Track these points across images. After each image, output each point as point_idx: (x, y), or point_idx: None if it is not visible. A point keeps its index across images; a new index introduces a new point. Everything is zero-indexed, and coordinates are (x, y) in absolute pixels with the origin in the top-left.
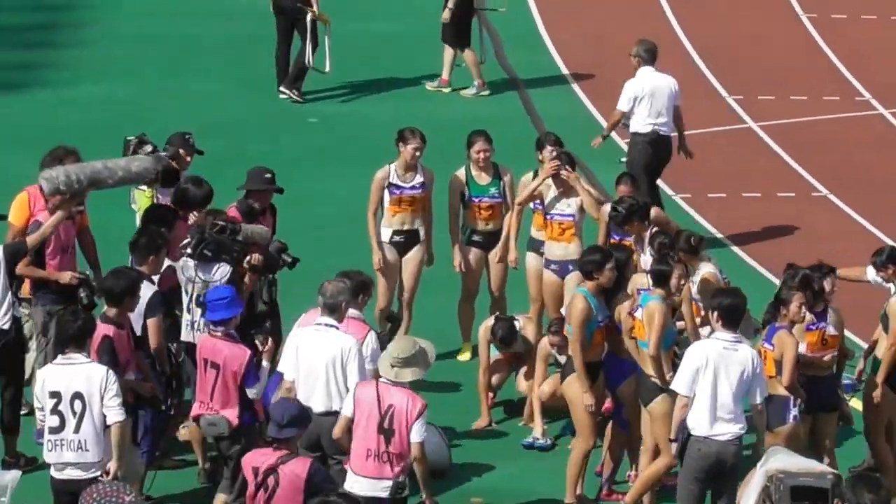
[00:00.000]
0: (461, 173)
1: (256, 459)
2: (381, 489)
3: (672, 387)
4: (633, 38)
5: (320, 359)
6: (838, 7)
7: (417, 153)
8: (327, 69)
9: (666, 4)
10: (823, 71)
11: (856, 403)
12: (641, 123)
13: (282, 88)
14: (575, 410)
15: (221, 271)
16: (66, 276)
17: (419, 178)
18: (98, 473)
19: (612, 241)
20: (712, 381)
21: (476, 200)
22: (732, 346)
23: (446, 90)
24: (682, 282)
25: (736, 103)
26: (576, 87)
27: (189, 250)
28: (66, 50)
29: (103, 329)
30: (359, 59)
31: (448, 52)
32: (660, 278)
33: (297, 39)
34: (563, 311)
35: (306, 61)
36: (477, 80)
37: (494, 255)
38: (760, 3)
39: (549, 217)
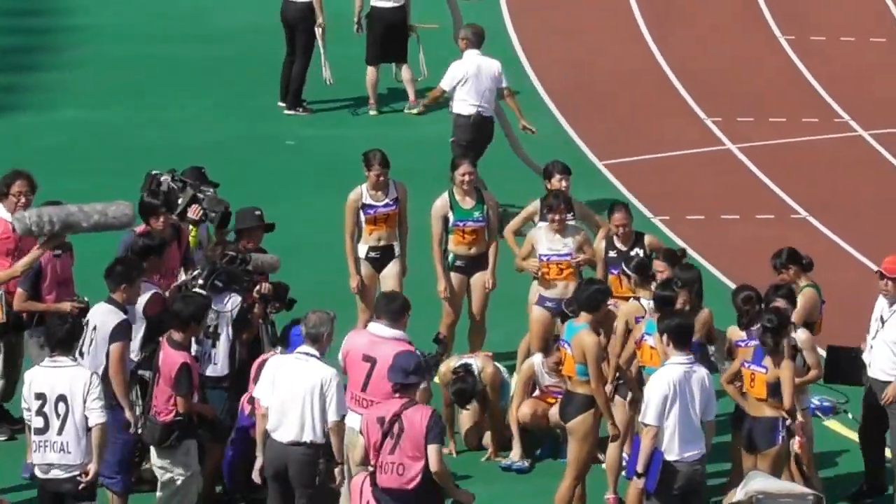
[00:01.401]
0: (444, 198)
1: (380, 410)
2: None
3: (641, 419)
4: (612, 62)
5: (298, 388)
6: (817, 29)
7: (381, 177)
8: (330, 82)
9: (644, 28)
10: (802, 93)
11: (833, 425)
12: (465, 105)
13: (287, 112)
14: (579, 449)
15: (232, 301)
16: (65, 307)
17: (391, 195)
18: (78, 474)
19: (611, 276)
20: (679, 406)
21: (460, 224)
22: (690, 368)
23: (414, 111)
24: (687, 307)
25: (715, 125)
26: (554, 109)
27: (200, 281)
28: (46, 73)
29: (179, 357)
30: (337, 81)
31: (405, 72)
32: (665, 304)
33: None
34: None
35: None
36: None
37: (479, 279)
38: (739, 25)
39: (544, 259)
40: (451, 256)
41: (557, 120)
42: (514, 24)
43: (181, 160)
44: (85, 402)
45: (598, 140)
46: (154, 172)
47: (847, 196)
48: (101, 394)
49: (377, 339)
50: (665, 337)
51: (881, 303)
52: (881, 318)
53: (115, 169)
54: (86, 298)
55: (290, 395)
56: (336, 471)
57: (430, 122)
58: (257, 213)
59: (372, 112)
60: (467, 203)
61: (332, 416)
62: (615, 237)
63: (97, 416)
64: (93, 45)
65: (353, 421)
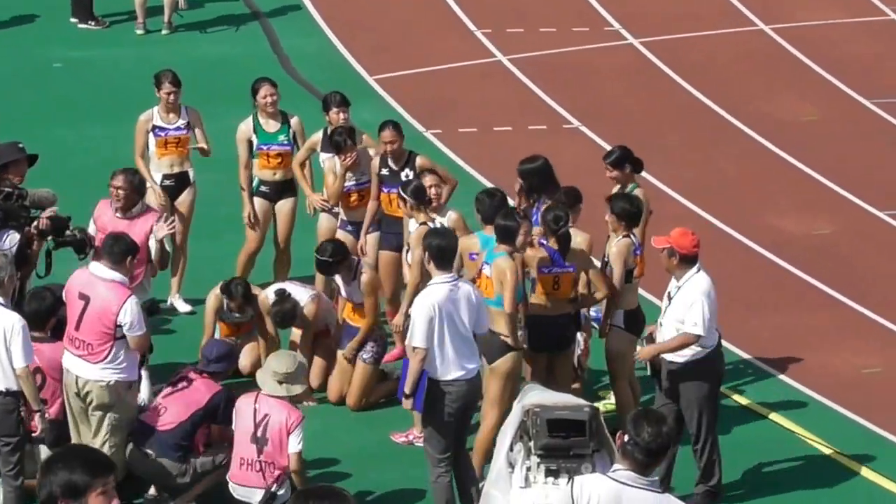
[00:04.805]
0: (248, 121)
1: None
2: (255, 497)
3: (408, 342)
4: None
5: None
6: None
7: (172, 96)
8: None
9: None
10: (572, 2)
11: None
12: None
13: (80, 26)
14: (502, 388)
15: (10, 239)
16: None
17: (183, 119)
18: None
19: (382, 193)
20: (448, 324)
21: (265, 148)
22: (454, 285)
23: (139, 32)
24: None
25: (485, 37)
26: (323, 25)
27: None
28: None
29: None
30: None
31: None
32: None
33: None
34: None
35: None
36: (140, 17)
37: (284, 206)
38: None
39: (346, 190)
40: (255, 181)
41: (327, 36)
42: None
43: None
44: None
45: (367, 55)
46: None
47: (619, 104)
48: None
49: (95, 278)
50: (427, 255)
51: (673, 281)
52: (669, 294)
53: None
54: None
55: None
56: (35, 418)
57: (201, 42)
58: (20, 145)
59: (139, 31)
60: (271, 126)
61: (16, 363)
62: (388, 156)
63: None
64: None
65: (67, 362)
